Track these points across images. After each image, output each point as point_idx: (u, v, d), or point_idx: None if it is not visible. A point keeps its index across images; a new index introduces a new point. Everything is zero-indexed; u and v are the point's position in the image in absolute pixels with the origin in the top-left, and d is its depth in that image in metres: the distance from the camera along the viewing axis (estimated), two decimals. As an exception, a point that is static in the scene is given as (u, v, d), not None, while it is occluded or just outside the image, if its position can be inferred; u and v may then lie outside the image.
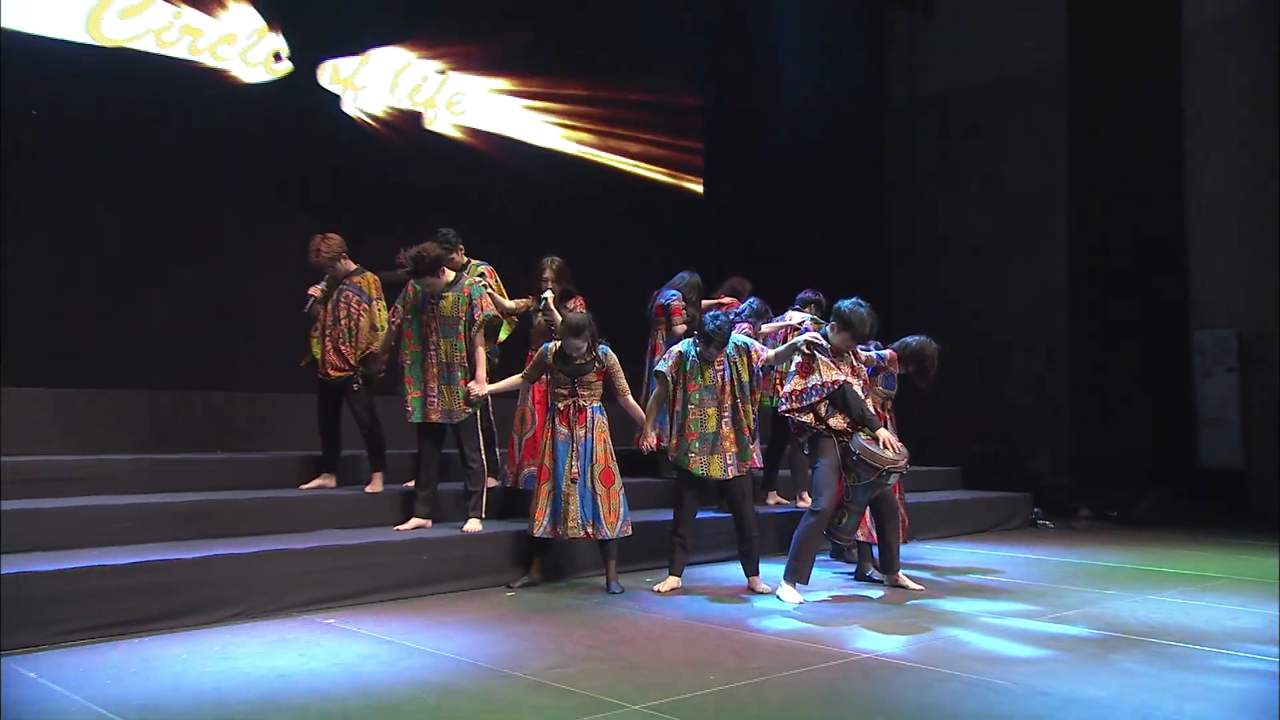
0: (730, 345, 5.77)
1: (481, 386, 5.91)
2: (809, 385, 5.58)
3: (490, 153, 10.37)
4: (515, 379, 6.01)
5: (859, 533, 6.05)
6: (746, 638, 4.86)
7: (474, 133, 10.31)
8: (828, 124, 11.79)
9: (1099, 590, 6.24)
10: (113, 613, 4.63)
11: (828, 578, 6.39)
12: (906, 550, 7.46)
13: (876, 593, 5.96)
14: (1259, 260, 10.09)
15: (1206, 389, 10.02)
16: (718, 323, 5.69)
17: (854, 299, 5.76)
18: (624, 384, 5.76)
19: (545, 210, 10.35)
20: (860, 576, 6.27)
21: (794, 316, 7.39)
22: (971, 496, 9.55)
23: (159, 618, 4.74)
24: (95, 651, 4.38)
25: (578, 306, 6.68)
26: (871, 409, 5.71)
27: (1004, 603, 5.76)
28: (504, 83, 10.54)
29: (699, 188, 12.13)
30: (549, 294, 6.71)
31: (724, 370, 5.72)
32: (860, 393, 5.64)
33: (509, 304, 6.67)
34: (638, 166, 11.66)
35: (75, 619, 4.52)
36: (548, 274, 6.81)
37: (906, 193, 12.70)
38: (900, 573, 6.01)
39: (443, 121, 10.11)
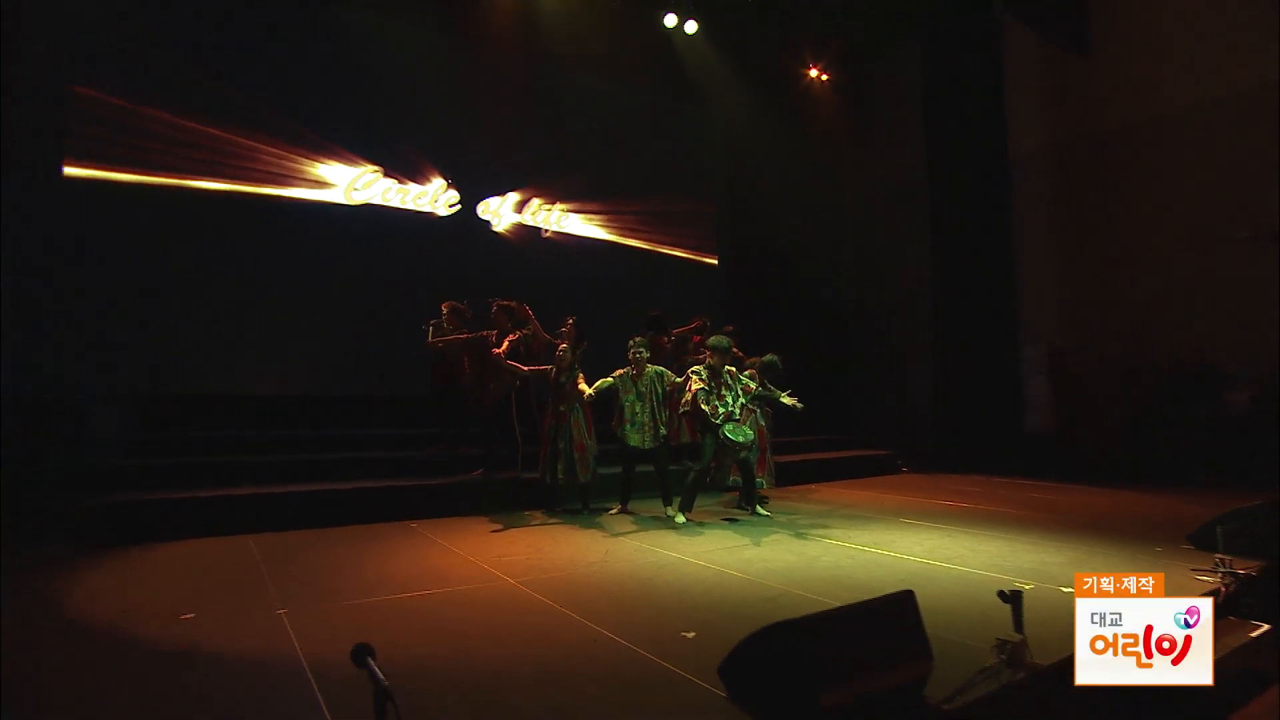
0: (652, 370, 6.06)
1: (499, 356, 6.03)
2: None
3: (579, 248, 10.65)
4: (528, 371, 6.16)
5: (739, 480, 6.07)
6: (617, 541, 4.85)
7: (569, 237, 10.64)
8: (796, 218, 11.60)
9: (870, 517, 5.79)
10: (298, 518, 5.28)
11: (716, 508, 6.31)
12: (799, 488, 7.32)
13: (742, 518, 5.84)
14: (1065, 300, 9.42)
15: (1031, 383, 9.37)
16: (635, 345, 5.96)
17: (717, 335, 5.87)
18: (578, 383, 5.95)
19: (610, 282, 10.50)
20: (737, 507, 6.28)
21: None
22: (857, 453, 9.20)
23: (324, 521, 5.34)
24: (282, 537, 4.88)
25: (583, 345, 7.05)
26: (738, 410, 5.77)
27: (802, 527, 5.33)
28: (587, 204, 10.81)
29: (715, 261, 12.11)
30: (564, 330, 7.11)
31: (648, 385, 6.03)
32: (731, 398, 5.78)
33: (545, 336, 7.08)
34: (673, 250, 11.72)
35: (274, 519, 5.18)
36: (568, 324, 7.21)
37: (843, 262, 12.31)
38: (757, 505, 6.01)
39: (550, 232, 10.53)
